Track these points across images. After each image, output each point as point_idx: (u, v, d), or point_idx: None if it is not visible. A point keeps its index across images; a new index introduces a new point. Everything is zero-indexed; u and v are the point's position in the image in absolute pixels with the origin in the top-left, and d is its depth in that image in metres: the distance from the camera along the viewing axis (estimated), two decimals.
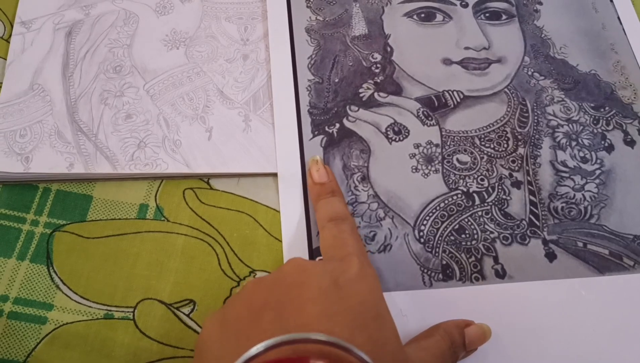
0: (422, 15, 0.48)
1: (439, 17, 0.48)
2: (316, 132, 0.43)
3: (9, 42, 0.46)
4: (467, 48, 0.47)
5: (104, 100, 0.43)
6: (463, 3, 0.49)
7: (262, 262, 0.40)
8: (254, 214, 0.41)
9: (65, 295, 0.37)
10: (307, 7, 0.48)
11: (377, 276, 0.32)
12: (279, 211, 0.41)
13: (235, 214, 0.41)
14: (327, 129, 0.43)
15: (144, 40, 0.46)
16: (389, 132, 0.43)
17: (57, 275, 0.38)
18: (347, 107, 0.44)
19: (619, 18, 0.50)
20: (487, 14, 0.48)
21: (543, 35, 0.48)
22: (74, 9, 0.47)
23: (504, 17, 0.49)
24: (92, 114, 0.43)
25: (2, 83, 0.44)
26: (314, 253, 0.39)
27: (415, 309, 0.37)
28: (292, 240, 0.39)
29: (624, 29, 0.49)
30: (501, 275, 0.39)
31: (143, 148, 0.42)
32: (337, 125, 0.43)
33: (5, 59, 0.46)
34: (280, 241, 0.41)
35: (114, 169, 0.41)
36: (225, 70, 0.46)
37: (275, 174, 0.42)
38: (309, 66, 0.45)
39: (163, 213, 0.41)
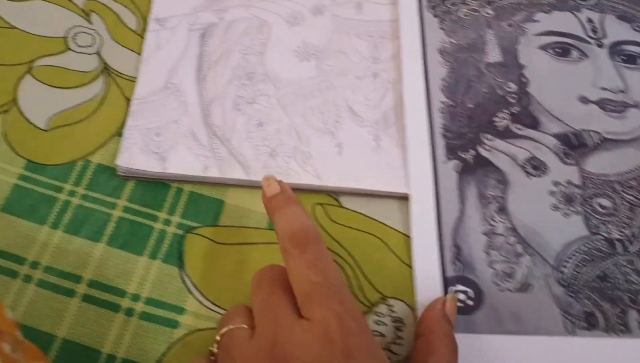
0: (558, 50, 0.48)
1: (575, 53, 0.47)
2: (450, 157, 0.43)
3: (141, 37, 0.46)
4: (603, 89, 0.46)
5: (237, 106, 0.44)
6: (598, 43, 0.48)
7: (394, 289, 0.39)
8: (384, 238, 0.40)
9: (197, 299, 0.37)
10: (441, 28, 0.48)
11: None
12: (406, 235, 0.40)
13: (366, 236, 0.40)
14: (461, 154, 0.43)
15: (276, 50, 0.47)
16: (526, 166, 0.42)
17: (189, 278, 0.38)
18: (482, 135, 0.43)
19: None
20: (623, 57, 0.47)
21: None
22: (209, 11, 0.47)
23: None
24: (225, 118, 0.43)
25: (135, 78, 0.45)
26: (447, 282, 0.38)
27: (556, 357, 0.36)
28: (424, 268, 0.39)
29: None
30: None
31: (275, 156, 0.42)
32: (473, 152, 0.43)
33: (138, 53, 0.46)
34: (411, 267, 0.39)
35: (247, 175, 0.41)
36: (355, 86, 0.45)
37: (406, 197, 0.41)
38: (442, 88, 0.45)
39: None
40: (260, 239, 0.41)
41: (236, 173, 0.42)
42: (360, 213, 0.42)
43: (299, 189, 0.42)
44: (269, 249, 0.40)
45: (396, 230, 0.41)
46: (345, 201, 0.42)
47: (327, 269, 0.30)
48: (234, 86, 0.45)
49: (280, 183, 0.37)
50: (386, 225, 0.41)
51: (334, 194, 0.43)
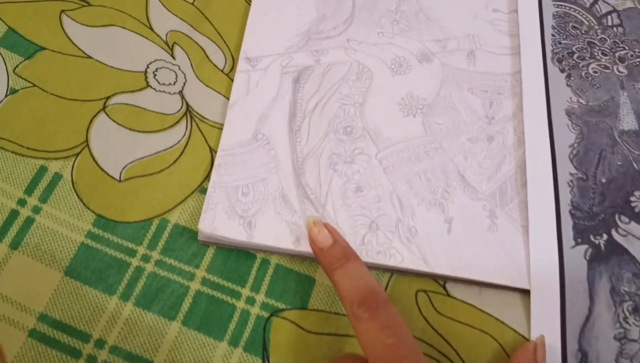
0: None
1: None
2: (579, 240, 0.37)
3: (228, 77, 0.40)
4: None
5: (333, 165, 0.37)
6: None
7: None
8: (500, 339, 0.34)
9: None
10: (567, 85, 0.41)
11: None
12: (526, 338, 0.33)
13: (478, 334, 0.34)
14: (592, 238, 0.37)
15: (378, 101, 0.40)
16: None
17: None
18: (617, 216, 0.36)
19: None
20: None
21: None
22: (304, 52, 0.41)
23: None
24: (319, 179, 0.37)
25: (220, 124, 0.40)
26: None
27: None
28: None
29: None
30: None
31: (375, 230, 0.36)
32: (605, 236, 0.37)
33: (223, 95, 0.42)
34: None
35: None
36: (468, 151, 0.39)
37: (526, 291, 0.34)
38: (571, 156, 0.38)
39: None
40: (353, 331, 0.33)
41: None
42: (471, 305, 0.37)
43: (400, 271, 0.37)
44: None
45: (515, 330, 0.34)
46: (453, 289, 0.37)
47: (401, 330, 0.29)
48: (330, 141, 0.39)
49: (331, 229, 0.34)
50: (502, 323, 0.35)
51: (441, 280, 0.37)
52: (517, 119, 0.41)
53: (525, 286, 0.36)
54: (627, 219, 0.37)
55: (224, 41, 0.43)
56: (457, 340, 0.35)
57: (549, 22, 0.45)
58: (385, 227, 0.37)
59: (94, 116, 0.39)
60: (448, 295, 0.36)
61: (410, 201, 0.38)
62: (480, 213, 0.38)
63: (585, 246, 0.37)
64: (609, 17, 0.46)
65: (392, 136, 0.40)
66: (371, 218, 0.37)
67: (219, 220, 0.36)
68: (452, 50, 0.44)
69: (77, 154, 0.38)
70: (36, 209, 0.36)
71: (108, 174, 0.37)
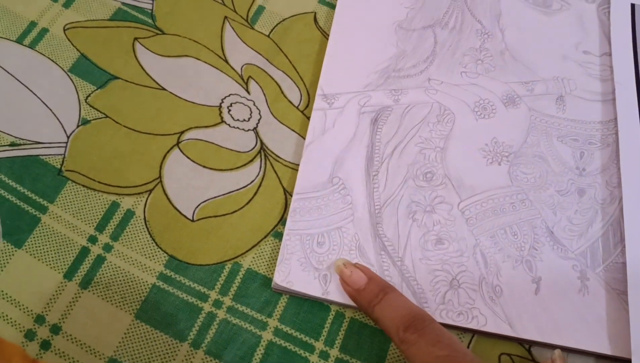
0: None
1: None
2: None
3: (304, 114, 0.39)
4: None
5: (412, 214, 0.36)
6: None
7: None
8: None
9: None
10: None
11: None
12: None
13: None
14: None
15: (460, 146, 0.39)
16: None
17: None
18: None
19: None
20: None
21: None
22: (382, 91, 0.40)
23: None
24: (398, 229, 0.36)
25: (295, 164, 0.40)
26: None
27: None
28: None
29: None
30: None
31: (456, 288, 0.34)
32: None
33: (299, 134, 0.41)
34: None
35: None
36: (557, 204, 0.37)
37: (620, 360, 0.32)
38: None
39: None
40: None
41: None
42: None
43: (482, 333, 0.35)
44: None
45: None
46: (540, 354, 0.35)
47: (452, 342, 0.29)
48: (409, 188, 0.38)
49: (363, 268, 0.34)
50: None
51: (526, 344, 0.36)
52: (610, 172, 0.39)
53: (619, 354, 0.34)
54: None
55: (300, 76, 0.43)
56: None
57: None
58: (468, 285, 0.36)
59: (168, 151, 0.39)
60: (534, 360, 0.34)
61: (494, 257, 0.36)
62: (570, 274, 0.36)
63: None
64: None
65: (475, 184, 0.39)
66: (453, 274, 0.36)
67: (293, 273, 0.35)
68: (540, 94, 0.42)
69: (151, 191, 0.37)
70: (107, 247, 0.36)
71: (181, 213, 0.37)
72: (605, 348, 0.34)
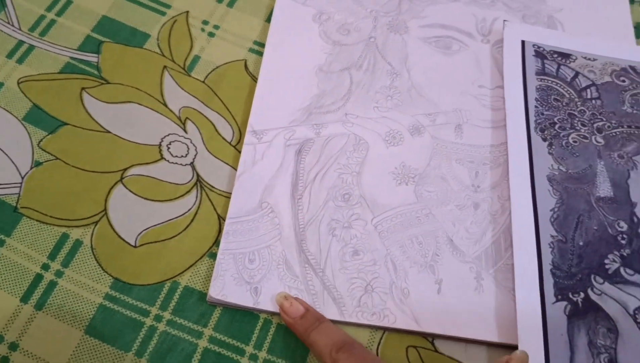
0: None
1: None
2: (559, 297, 0.42)
3: (236, 149, 0.46)
4: None
5: (332, 230, 0.43)
6: None
7: None
8: None
9: None
10: (549, 153, 0.47)
11: None
12: None
13: None
14: (571, 296, 0.42)
15: (374, 170, 0.46)
16: (637, 316, 0.41)
17: None
18: (592, 277, 0.41)
19: None
20: None
21: None
22: (305, 126, 0.48)
23: None
24: (319, 245, 0.42)
25: (228, 193, 0.46)
26: None
27: None
28: None
29: None
30: None
31: (370, 292, 0.41)
32: (582, 294, 0.42)
33: (231, 166, 0.47)
34: None
35: (341, 315, 0.42)
36: (456, 217, 0.44)
37: (509, 346, 0.40)
38: (552, 220, 0.44)
39: None
40: None
41: (330, 312, 0.42)
42: (457, 361, 0.41)
43: (392, 329, 0.41)
44: None
45: None
46: (441, 345, 0.42)
47: (377, 360, 0.36)
48: (329, 209, 0.44)
49: (301, 301, 0.40)
50: None
51: (430, 337, 0.42)
52: (501, 187, 0.47)
53: (508, 341, 0.41)
54: (601, 280, 0.43)
55: (232, 116, 0.49)
56: None
57: (532, 95, 0.51)
58: (380, 289, 0.42)
59: (112, 187, 0.45)
60: (436, 350, 0.41)
61: (403, 264, 0.43)
62: (467, 275, 0.43)
63: (565, 303, 0.42)
64: (588, 90, 0.52)
65: (386, 203, 0.46)
66: (367, 281, 0.42)
67: (227, 287, 0.41)
68: (442, 123, 0.50)
69: (97, 223, 0.43)
70: (59, 273, 0.41)
71: (124, 241, 0.43)
72: (496, 337, 0.41)
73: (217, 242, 0.42)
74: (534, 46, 0.53)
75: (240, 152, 0.46)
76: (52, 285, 0.40)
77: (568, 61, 0.52)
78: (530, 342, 0.40)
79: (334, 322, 0.41)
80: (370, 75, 0.51)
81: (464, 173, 0.47)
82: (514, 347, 0.40)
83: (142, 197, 0.44)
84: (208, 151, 0.47)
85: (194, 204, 0.44)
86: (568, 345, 0.40)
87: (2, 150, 0.44)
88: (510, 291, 0.42)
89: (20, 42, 0.49)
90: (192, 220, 0.44)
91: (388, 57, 0.52)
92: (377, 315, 0.40)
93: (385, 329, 0.41)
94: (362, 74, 0.51)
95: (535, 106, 0.50)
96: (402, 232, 0.44)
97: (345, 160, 0.47)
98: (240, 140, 0.47)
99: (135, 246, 0.42)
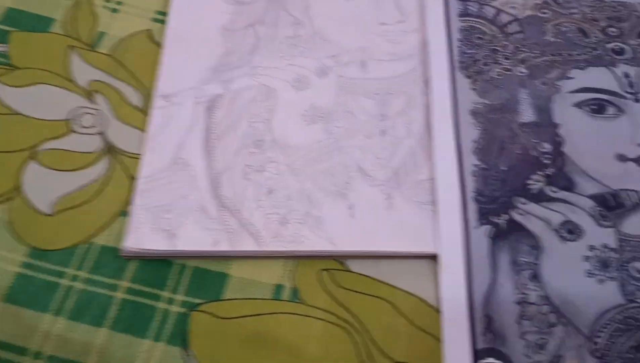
0: (594, 106, 0.47)
1: (611, 110, 0.47)
2: (483, 221, 0.43)
3: (146, 114, 0.47)
4: None
5: (246, 175, 0.44)
6: (636, 98, 0.47)
7: (406, 354, 0.39)
8: (394, 301, 0.41)
9: None
10: (472, 89, 0.49)
11: None
12: (422, 299, 0.42)
13: (374, 300, 0.41)
14: (494, 219, 0.42)
15: (284, 115, 0.47)
16: (561, 231, 0.42)
17: (195, 358, 0.37)
18: (515, 198, 0.43)
19: None
20: None
21: None
22: (214, 83, 0.49)
23: None
24: (235, 189, 0.44)
25: (141, 156, 0.46)
26: (477, 355, 0.38)
27: None
28: (454, 339, 0.39)
29: None
30: None
31: (286, 224, 0.42)
32: (506, 216, 0.43)
33: (142, 130, 0.48)
34: (426, 332, 0.40)
35: (259, 246, 0.42)
36: (365, 146, 0.45)
37: (420, 257, 0.43)
38: (474, 150, 0.45)
39: (298, 295, 0.41)
40: (265, 309, 0.41)
41: (247, 245, 0.43)
42: (367, 276, 0.43)
43: (304, 257, 0.42)
44: (274, 319, 0.41)
45: (407, 292, 0.42)
46: (353, 265, 0.43)
47: None
48: (242, 156, 0.46)
49: None
50: (395, 287, 0.42)
51: (341, 259, 0.43)
52: (405, 113, 0.48)
53: (421, 250, 0.43)
54: (524, 201, 0.44)
55: (142, 83, 0.50)
56: (356, 306, 0.41)
57: (455, 36, 0.53)
58: (296, 220, 0.43)
59: (24, 163, 0.46)
60: (348, 270, 0.42)
61: (316, 195, 0.44)
62: (378, 196, 0.44)
63: (488, 226, 0.43)
64: (510, 25, 0.54)
65: (297, 143, 0.47)
66: (282, 215, 0.43)
67: (143, 237, 0.42)
68: (346, 63, 0.51)
69: (12, 198, 0.44)
70: None
71: (40, 211, 0.44)
72: (409, 247, 0.42)
73: (131, 202, 0.43)
74: None
75: (150, 116, 0.47)
76: None
77: (490, 0, 0.54)
78: (453, 267, 0.42)
79: (251, 253, 0.43)
80: (274, 28, 0.53)
81: (370, 104, 0.48)
82: (427, 256, 0.43)
83: (54, 169, 0.45)
84: (118, 119, 0.48)
85: (106, 169, 0.46)
86: (490, 266, 0.42)
87: None
88: (420, 205, 0.43)
89: None
90: (105, 184, 0.45)
91: (290, 10, 0.54)
92: (295, 243, 0.42)
93: (299, 257, 0.41)
94: (266, 28, 0.53)
95: (459, 47, 0.52)
96: (314, 167, 0.45)
97: (256, 109, 0.48)
98: (149, 105, 0.48)
99: (51, 215, 0.43)
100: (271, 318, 0.40)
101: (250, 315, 0.40)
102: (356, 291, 0.41)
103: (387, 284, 0.42)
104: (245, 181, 0.44)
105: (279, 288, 0.42)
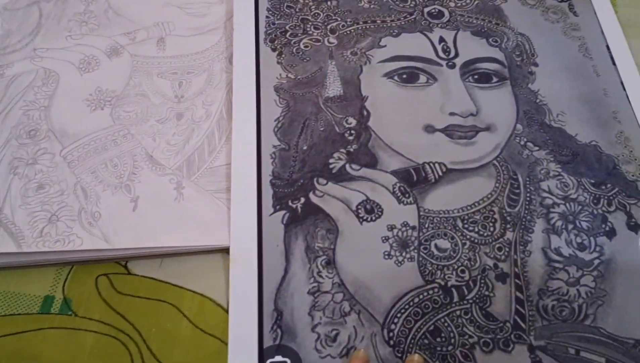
0: (404, 76, 0.45)
1: (423, 78, 0.45)
2: (278, 207, 0.39)
3: None
4: (452, 114, 0.43)
5: (14, 169, 0.39)
6: (450, 63, 0.45)
7: (186, 359, 0.35)
8: (178, 304, 0.37)
9: None
10: (278, 63, 0.45)
11: None
12: (207, 297, 0.38)
13: (156, 304, 0.37)
14: (290, 204, 0.39)
15: (65, 101, 0.42)
16: (360, 211, 0.39)
17: None
18: (315, 179, 0.40)
19: (622, 83, 0.46)
20: (475, 76, 0.45)
21: (538, 101, 0.45)
22: None
23: (494, 79, 0.45)
24: None
25: None
26: (264, 354, 0.35)
27: None
28: (239, 341, 0.36)
29: (627, 96, 0.46)
30: None
31: (55, 222, 0.37)
32: (303, 199, 0.39)
33: None
34: (208, 334, 0.37)
35: (19, 247, 0.37)
36: (157, 132, 0.41)
37: (212, 252, 0.38)
38: (275, 129, 0.42)
39: (71, 306, 0.37)
40: (29, 326, 0.36)
41: (6, 247, 0.37)
42: (152, 279, 0.38)
43: (81, 262, 0.38)
44: (39, 336, 0.36)
45: (194, 292, 0.38)
46: (135, 266, 0.38)
47: None
48: (11, 147, 0.40)
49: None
50: (182, 288, 0.38)
51: (123, 260, 0.38)
52: (205, 93, 0.43)
53: (211, 243, 0.38)
54: (324, 181, 0.40)
55: None
56: (135, 314, 0.37)
57: (264, 5, 0.48)
58: (67, 217, 0.38)
59: None
60: (129, 273, 0.38)
61: (95, 189, 0.39)
62: (167, 186, 0.39)
63: (283, 212, 0.39)
64: None
65: (78, 131, 0.41)
66: (52, 212, 0.38)
67: None
68: (142, 40, 0.46)
69: None
70: None
71: None
72: (198, 241, 0.38)
73: None
74: None
75: None
76: None
77: None
78: (244, 260, 0.38)
79: (11, 255, 0.37)
80: (62, 4, 0.47)
81: (166, 85, 0.44)
82: (220, 250, 0.39)
83: None
84: None
85: None
86: (284, 255, 0.38)
87: None
88: (213, 194, 0.39)
89: None
90: None
91: None
92: (62, 242, 0.36)
93: (74, 262, 0.37)
94: (52, 5, 0.47)
95: (267, 17, 0.48)
96: (95, 158, 0.40)
97: (33, 96, 0.43)
98: None
99: None
100: (36, 335, 0.36)
101: (11, 334, 0.36)
102: (137, 297, 0.37)
103: (174, 285, 0.38)
104: (12, 176, 0.39)
105: (48, 299, 0.37)
